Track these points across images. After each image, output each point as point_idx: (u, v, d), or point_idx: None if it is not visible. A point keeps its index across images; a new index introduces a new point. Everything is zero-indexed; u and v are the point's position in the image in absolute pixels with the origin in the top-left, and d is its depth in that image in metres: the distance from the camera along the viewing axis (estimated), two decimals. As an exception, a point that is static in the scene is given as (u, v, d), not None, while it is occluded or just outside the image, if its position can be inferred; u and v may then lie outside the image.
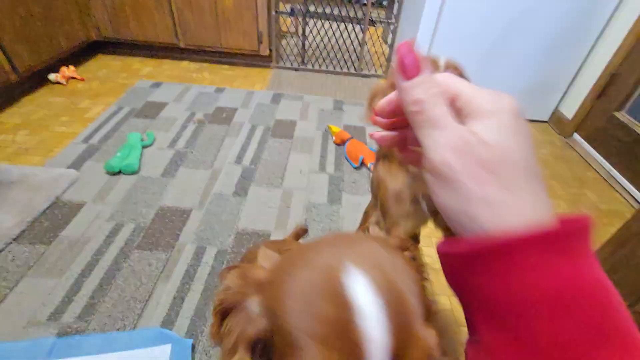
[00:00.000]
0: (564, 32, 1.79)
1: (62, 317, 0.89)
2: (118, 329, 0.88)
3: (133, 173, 1.37)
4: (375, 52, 2.63)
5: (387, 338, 0.18)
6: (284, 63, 2.49)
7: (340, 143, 1.69)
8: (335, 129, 1.74)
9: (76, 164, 1.39)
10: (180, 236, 1.15)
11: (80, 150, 1.47)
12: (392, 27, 2.36)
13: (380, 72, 2.54)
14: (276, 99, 2.06)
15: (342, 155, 1.63)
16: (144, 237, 1.13)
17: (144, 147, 1.51)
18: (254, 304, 0.22)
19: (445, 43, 1.84)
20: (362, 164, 1.57)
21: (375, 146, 1.71)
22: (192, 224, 1.20)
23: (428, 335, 0.18)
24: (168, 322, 0.91)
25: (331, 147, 1.69)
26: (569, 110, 1.98)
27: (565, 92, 2.01)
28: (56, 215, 1.17)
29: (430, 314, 0.21)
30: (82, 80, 2.03)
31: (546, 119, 2.12)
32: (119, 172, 1.37)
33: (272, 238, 1.18)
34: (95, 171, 1.37)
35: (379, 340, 0.18)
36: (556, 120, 2.07)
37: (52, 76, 1.94)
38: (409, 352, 0.18)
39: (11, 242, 1.06)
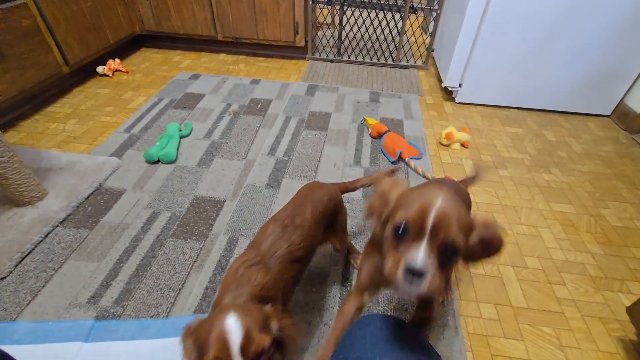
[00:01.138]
0: (633, 13, 1.58)
1: (101, 300, 0.92)
2: (152, 316, 0.89)
3: (171, 162, 1.40)
4: (415, 41, 2.50)
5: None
6: (320, 54, 2.44)
7: (377, 136, 1.62)
8: (371, 121, 1.67)
9: (118, 152, 1.44)
10: (213, 226, 1.15)
11: (122, 139, 1.52)
12: (434, 14, 2.22)
13: (419, 62, 2.41)
14: (311, 90, 2.02)
15: (378, 149, 1.56)
16: (179, 225, 1.14)
17: (181, 137, 1.54)
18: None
19: (493, 30, 1.70)
20: (400, 158, 1.49)
21: (414, 140, 1.62)
22: (225, 215, 1.19)
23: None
24: (199, 312, 0.90)
25: (367, 140, 1.62)
26: (638, 103, 1.76)
27: (634, 83, 1.78)
28: (99, 201, 1.21)
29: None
30: (127, 72, 2.11)
31: (608, 113, 1.90)
32: (158, 161, 1.40)
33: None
34: (136, 159, 1.41)
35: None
36: (621, 114, 1.84)
37: (99, 69, 2.03)
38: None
39: (58, 226, 1.11)
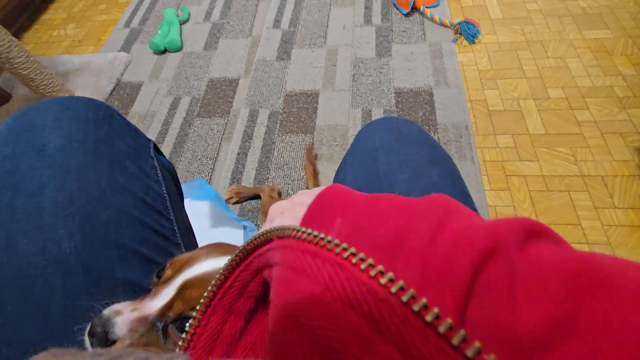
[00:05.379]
0: None
1: (151, 173, 1.05)
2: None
3: (177, 50, 1.38)
4: None
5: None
6: None
7: (388, -12, 1.46)
8: (380, -30, 1.48)
9: (125, 48, 1.43)
10: (233, 103, 1.19)
11: (125, 35, 1.49)
12: None
13: None
14: (309, -52, 1.76)
15: (390, 3, 1.42)
16: (201, 106, 1.20)
17: (181, 23, 1.47)
18: None
19: None
20: (414, 8, 1.36)
21: (429, -15, 1.44)
22: (242, 91, 1.22)
23: None
24: (236, 172, 1.02)
25: (377, -6, 1.47)
26: None
27: None
28: (122, 95, 1.26)
29: None
30: (106, -36, 1.92)
31: None
32: (165, 51, 1.38)
33: (321, 97, 1.17)
34: (144, 52, 1.40)
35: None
36: None
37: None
38: None
39: (94, 121, 1.20)
